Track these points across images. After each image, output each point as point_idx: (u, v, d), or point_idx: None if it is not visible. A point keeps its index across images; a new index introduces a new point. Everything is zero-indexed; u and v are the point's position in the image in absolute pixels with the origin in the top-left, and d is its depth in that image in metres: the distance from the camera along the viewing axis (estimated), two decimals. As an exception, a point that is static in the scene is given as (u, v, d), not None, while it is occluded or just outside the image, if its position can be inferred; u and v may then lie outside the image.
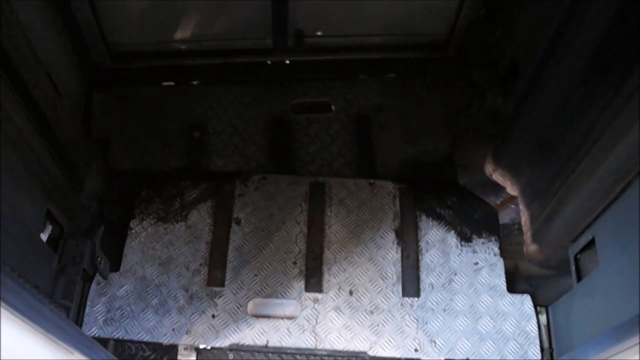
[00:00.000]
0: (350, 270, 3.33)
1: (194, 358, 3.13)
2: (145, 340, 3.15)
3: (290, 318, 3.21)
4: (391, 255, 3.36)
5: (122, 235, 3.42)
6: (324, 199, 3.53)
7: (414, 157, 3.74)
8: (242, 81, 3.97)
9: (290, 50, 3.83)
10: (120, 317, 3.19)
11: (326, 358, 3.15)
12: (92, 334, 3.12)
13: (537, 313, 3.21)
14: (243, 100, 3.91)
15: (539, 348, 3.14)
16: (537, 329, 3.18)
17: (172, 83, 3.94)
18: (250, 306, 3.24)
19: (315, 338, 3.16)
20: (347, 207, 3.51)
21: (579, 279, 2.78)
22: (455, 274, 3.32)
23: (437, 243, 3.41)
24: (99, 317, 3.18)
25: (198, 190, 3.55)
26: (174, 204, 3.51)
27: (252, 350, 3.14)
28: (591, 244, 2.65)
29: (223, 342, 3.14)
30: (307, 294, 3.26)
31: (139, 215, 3.47)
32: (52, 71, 2.95)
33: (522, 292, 3.28)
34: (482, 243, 3.41)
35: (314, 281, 3.29)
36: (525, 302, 3.24)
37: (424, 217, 3.49)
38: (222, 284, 3.28)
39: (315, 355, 3.14)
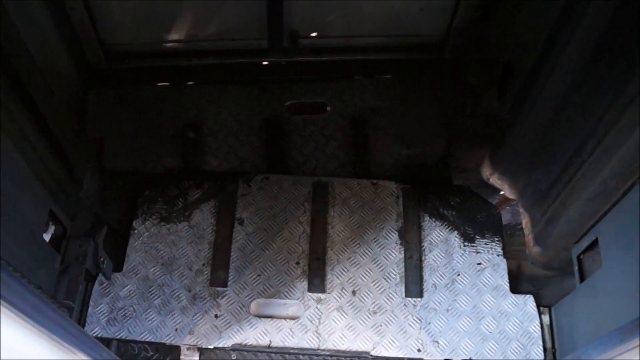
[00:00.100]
0: (353, 271, 3.32)
1: (197, 358, 3.13)
2: (148, 340, 3.15)
3: (293, 318, 3.21)
4: (394, 256, 3.36)
5: (124, 236, 3.42)
6: (327, 199, 3.52)
7: (409, 159, 3.74)
8: (238, 82, 3.96)
9: (285, 50, 3.82)
10: (123, 317, 3.19)
11: (329, 358, 3.14)
12: (94, 334, 3.12)
13: (540, 313, 3.20)
14: (238, 100, 3.90)
15: (541, 348, 3.13)
16: (540, 329, 3.17)
17: (168, 83, 3.94)
18: (253, 306, 3.24)
19: (318, 338, 3.15)
20: (350, 207, 3.50)
21: (582, 279, 2.78)
22: (458, 274, 3.32)
23: (440, 243, 3.41)
24: (101, 318, 3.18)
25: (201, 191, 3.56)
26: (177, 204, 3.52)
27: (255, 350, 3.14)
28: (594, 244, 2.64)
29: (226, 343, 3.14)
30: (310, 294, 3.26)
31: (141, 216, 3.47)
32: (47, 71, 2.95)
33: (525, 292, 3.27)
34: (485, 243, 3.40)
35: (316, 281, 3.29)
36: (528, 302, 3.23)
37: (427, 218, 3.49)
38: (225, 284, 3.28)
39: (318, 355, 3.14)
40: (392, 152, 3.75)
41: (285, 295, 3.26)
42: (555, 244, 2.90)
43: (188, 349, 3.14)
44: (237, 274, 3.31)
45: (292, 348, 3.14)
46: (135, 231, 3.42)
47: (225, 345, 3.13)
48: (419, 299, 3.25)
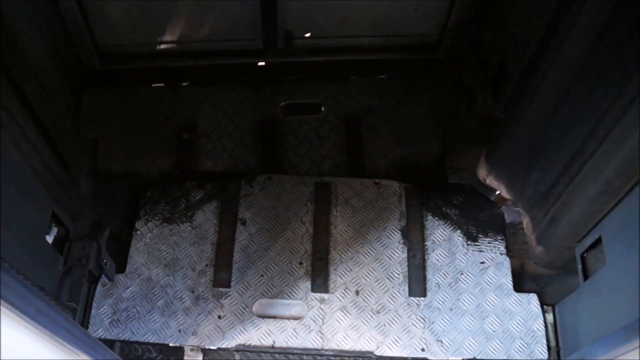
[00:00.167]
0: (357, 270, 3.32)
1: (201, 359, 3.13)
2: (151, 341, 3.15)
3: (296, 318, 3.20)
4: (397, 255, 3.36)
5: (127, 237, 3.43)
6: (329, 199, 3.52)
7: (403, 159, 3.73)
8: (232, 82, 3.96)
9: (280, 51, 3.82)
10: (126, 318, 3.19)
11: (333, 358, 3.14)
12: (98, 336, 3.12)
13: (543, 312, 3.20)
14: (233, 101, 3.90)
15: (545, 347, 3.13)
16: (543, 327, 3.17)
17: (162, 84, 3.94)
18: (256, 307, 3.23)
19: (321, 338, 3.15)
20: (353, 207, 3.50)
21: (585, 277, 2.77)
22: (462, 274, 3.31)
23: (444, 242, 3.40)
24: (105, 319, 3.19)
25: (203, 191, 3.55)
26: (179, 205, 3.51)
27: (259, 350, 3.14)
28: (598, 242, 2.63)
29: (229, 343, 3.13)
30: (314, 294, 3.26)
31: (144, 217, 3.47)
32: (41, 72, 2.95)
33: (529, 291, 3.27)
34: (489, 242, 3.40)
35: (320, 281, 3.28)
36: (531, 301, 3.22)
37: (430, 217, 3.48)
38: (228, 285, 3.28)
39: (321, 355, 3.14)
40: (386, 152, 3.75)
41: (289, 296, 3.26)
42: (558, 244, 2.89)
43: (191, 349, 3.14)
44: (240, 274, 3.31)
45: (296, 348, 3.14)
46: (138, 232, 3.42)
47: (229, 346, 3.13)
48: (422, 298, 3.25)
